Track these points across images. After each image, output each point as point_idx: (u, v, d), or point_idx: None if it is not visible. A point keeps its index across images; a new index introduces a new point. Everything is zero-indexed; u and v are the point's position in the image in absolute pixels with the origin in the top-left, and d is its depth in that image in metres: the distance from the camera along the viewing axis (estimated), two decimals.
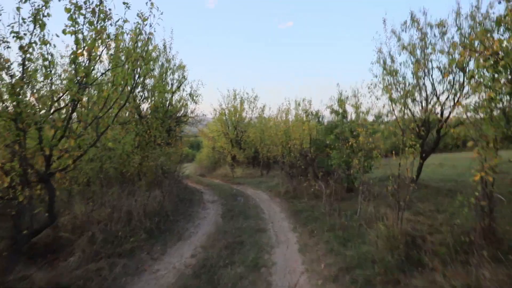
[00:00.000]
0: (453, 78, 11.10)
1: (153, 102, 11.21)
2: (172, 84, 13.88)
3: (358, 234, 5.98)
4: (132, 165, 7.79)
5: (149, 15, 5.35)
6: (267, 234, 6.81)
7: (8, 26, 4.04)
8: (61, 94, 4.93)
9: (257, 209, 9.43)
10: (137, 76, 11.21)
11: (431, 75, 11.32)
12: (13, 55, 12.41)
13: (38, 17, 4.12)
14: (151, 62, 11.37)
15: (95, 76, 5.33)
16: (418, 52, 11.21)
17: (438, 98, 11.26)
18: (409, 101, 11.78)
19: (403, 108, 11.13)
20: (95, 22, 4.61)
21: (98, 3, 4.59)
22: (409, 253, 4.55)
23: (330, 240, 5.85)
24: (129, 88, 10.21)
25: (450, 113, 11.22)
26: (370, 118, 11.46)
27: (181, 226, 7.62)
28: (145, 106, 11.97)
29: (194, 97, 13.64)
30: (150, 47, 11.94)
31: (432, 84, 11.32)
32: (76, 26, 4.40)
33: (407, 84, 11.72)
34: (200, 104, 19.17)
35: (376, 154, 7.08)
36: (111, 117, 5.32)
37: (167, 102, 12.65)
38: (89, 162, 7.01)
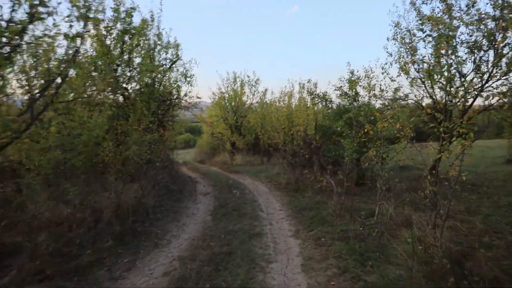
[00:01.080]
0: (480, 58, 9.56)
1: (139, 82, 9.76)
2: (164, 64, 12.42)
3: (379, 247, 4.62)
4: (106, 154, 6.42)
5: None
6: (263, 241, 5.47)
7: None
8: None
9: (253, 205, 8.09)
10: (117, 50, 9.82)
11: (455, 54, 9.75)
12: None
13: None
14: (137, 37, 9.92)
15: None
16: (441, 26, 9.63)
17: (463, 80, 9.72)
18: (429, 82, 10.29)
19: (426, 89, 9.64)
20: None
21: None
22: (459, 286, 3.18)
23: (342, 254, 4.50)
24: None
25: (476, 97, 9.73)
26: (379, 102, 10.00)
27: (162, 228, 6.30)
28: (132, 86, 10.54)
29: (187, 78, 12.14)
30: (137, 22, 10.53)
31: (457, 64, 9.77)
32: None
33: (426, 64, 10.20)
34: (196, 87, 17.66)
35: (402, 143, 5.65)
36: (49, 96, 3.89)
37: (157, 83, 11.17)
38: (49, 150, 5.64)
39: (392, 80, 10.23)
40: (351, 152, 5.91)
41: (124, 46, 9.62)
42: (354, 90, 9.00)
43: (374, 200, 7.82)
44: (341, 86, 9.29)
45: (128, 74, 9.86)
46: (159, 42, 11.75)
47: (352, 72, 9.17)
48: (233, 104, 20.25)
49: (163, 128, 11.96)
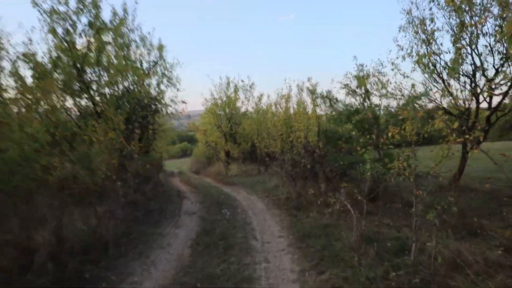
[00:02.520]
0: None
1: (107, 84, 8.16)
2: (144, 66, 10.85)
3: None
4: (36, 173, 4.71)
5: None
6: None
7: None
8: None
9: (246, 230, 6.41)
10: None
11: (476, 46, 8.21)
12: None
13: None
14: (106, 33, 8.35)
15: None
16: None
17: (486, 76, 8.16)
18: (448, 78, 8.73)
19: (445, 85, 8.06)
20: None
21: None
22: None
23: None
24: None
25: (505, 95, 8.16)
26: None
27: (121, 270, 4.62)
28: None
29: (169, 80, 10.56)
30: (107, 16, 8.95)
31: (479, 56, 8.22)
32: None
33: (445, 56, 8.68)
34: (184, 92, 16.04)
35: (444, 149, 4.04)
36: None
37: (134, 87, 9.57)
38: None
39: (405, 77, 8.68)
40: (373, 165, 4.25)
41: (91, 42, 8.05)
42: (364, 87, 7.41)
43: (396, 221, 6.18)
44: (348, 84, 7.72)
45: (96, 76, 8.24)
46: (135, 39, 10.21)
47: (362, 66, 7.61)
48: (226, 110, 18.66)
49: (141, 138, 10.36)
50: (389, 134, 4.58)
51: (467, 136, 3.70)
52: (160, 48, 11.21)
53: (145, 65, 11.13)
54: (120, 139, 6.74)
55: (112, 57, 8.73)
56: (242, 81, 18.77)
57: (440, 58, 8.07)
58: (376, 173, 4.23)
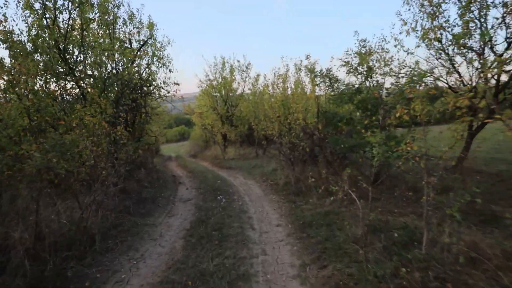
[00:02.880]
0: None
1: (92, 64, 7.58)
2: (139, 48, 10.22)
3: None
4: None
5: None
6: None
7: None
8: None
9: (242, 219, 6.06)
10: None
11: (485, 19, 7.63)
12: None
13: None
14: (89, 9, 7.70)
15: None
16: None
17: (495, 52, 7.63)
18: (453, 54, 8.19)
19: (452, 64, 7.57)
20: None
21: None
22: None
23: None
24: None
25: None
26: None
27: (107, 266, 4.26)
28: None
29: (160, 59, 9.95)
30: None
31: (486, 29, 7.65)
32: None
33: (452, 30, 8.09)
34: (176, 73, 15.37)
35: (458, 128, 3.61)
36: None
37: (122, 67, 8.99)
38: None
39: (409, 53, 8.15)
40: (381, 150, 3.81)
41: (74, 19, 7.41)
42: (366, 65, 6.89)
43: (401, 208, 5.82)
44: (349, 61, 7.17)
45: (81, 56, 7.64)
46: (122, 16, 9.56)
47: (364, 42, 7.04)
48: (222, 92, 18.05)
49: (133, 122, 9.87)
50: (397, 115, 4.14)
51: (498, 116, 3.25)
52: (151, 26, 10.54)
53: (134, 44, 10.54)
54: (103, 124, 6.23)
55: (97, 35, 8.12)
56: (238, 61, 18.16)
57: (448, 32, 7.50)
58: (384, 157, 3.78)
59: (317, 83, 7.51)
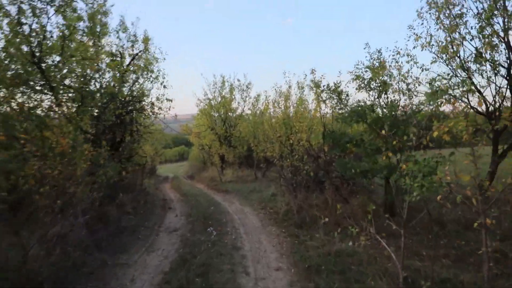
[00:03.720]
0: None
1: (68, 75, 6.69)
2: (131, 62, 9.43)
3: None
4: None
5: None
6: None
7: None
8: None
9: (235, 258, 4.95)
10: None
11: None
12: None
13: None
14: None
15: None
16: None
17: None
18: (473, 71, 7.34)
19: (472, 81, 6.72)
20: None
21: None
22: None
23: None
24: None
25: None
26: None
27: None
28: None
29: (151, 72, 9.13)
30: None
31: None
32: None
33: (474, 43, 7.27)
34: (171, 89, 14.60)
35: None
36: None
37: (107, 82, 8.13)
38: None
39: (423, 70, 7.28)
40: (426, 182, 2.79)
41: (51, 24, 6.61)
42: (380, 79, 5.99)
43: (429, 248, 4.73)
44: (360, 75, 6.28)
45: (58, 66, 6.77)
46: (112, 26, 8.78)
47: (379, 52, 6.17)
48: (221, 111, 17.21)
49: (121, 140, 8.93)
50: (434, 134, 3.15)
51: None
52: (146, 40, 9.79)
53: (128, 60, 9.75)
54: (80, 140, 5.27)
55: (81, 44, 7.31)
56: (238, 80, 17.45)
57: (470, 45, 6.67)
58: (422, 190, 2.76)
59: (324, 99, 6.60)
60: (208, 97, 17.28)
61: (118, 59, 9.16)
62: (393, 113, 5.48)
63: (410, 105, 5.82)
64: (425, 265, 3.86)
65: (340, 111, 6.75)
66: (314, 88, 6.86)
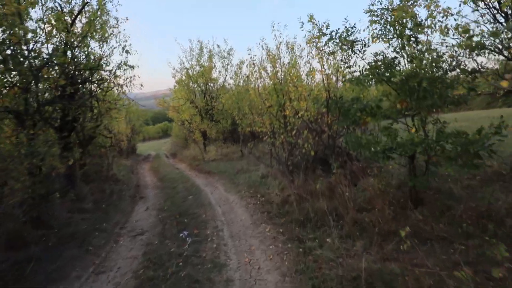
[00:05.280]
0: None
1: None
2: (77, 16, 7.20)
3: None
4: None
5: None
6: None
7: None
8: None
9: (215, 285, 3.33)
10: None
11: None
12: None
13: None
14: None
15: None
16: None
17: None
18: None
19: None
20: None
21: None
22: None
23: None
24: None
25: None
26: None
27: None
28: None
29: (96, 28, 7.02)
30: None
31: None
32: None
33: None
34: (135, 56, 12.46)
35: None
36: None
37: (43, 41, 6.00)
38: None
39: (447, 16, 5.50)
40: None
41: None
42: (411, 19, 4.20)
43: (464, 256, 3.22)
44: (376, 11, 4.46)
45: None
46: None
47: None
48: (200, 82, 15.13)
49: (74, 119, 7.00)
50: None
51: None
52: None
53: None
54: None
55: None
56: (218, 46, 15.21)
57: None
58: None
59: (332, 51, 4.78)
60: (185, 66, 15.11)
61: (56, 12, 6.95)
62: (433, 65, 3.76)
63: (455, 55, 4.09)
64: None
65: (350, 69, 4.97)
66: (314, 41, 5.02)
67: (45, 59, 5.57)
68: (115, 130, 11.29)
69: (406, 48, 4.42)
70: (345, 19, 5.02)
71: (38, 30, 5.93)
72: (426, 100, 3.83)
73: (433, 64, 3.69)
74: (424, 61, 3.84)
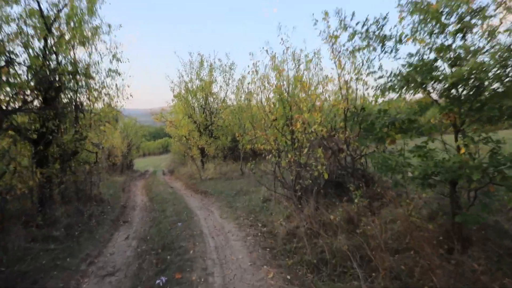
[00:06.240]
0: None
1: None
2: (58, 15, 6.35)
3: None
4: None
5: None
6: None
7: None
8: None
9: None
10: None
11: None
12: None
13: None
14: None
15: None
16: None
17: None
18: None
19: None
20: None
21: None
22: None
23: None
24: None
25: None
26: None
27: None
28: None
29: (84, 33, 6.16)
30: None
31: None
32: None
33: None
34: (127, 63, 11.53)
35: None
36: None
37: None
38: None
39: None
40: None
41: None
42: (466, 3, 3.24)
43: None
44: (418, 9, 3.52)
45: None
46: None
47: None
48: (200, 96, 14.27)
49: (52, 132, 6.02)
50: None
51: None
52: None
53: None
54: None
55: None
56: (220, 60, 14.47)
57: None
58: None
59: (358, 48, 3.81)
60: (184, 79, 14.29)
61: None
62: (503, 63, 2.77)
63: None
64: None
65: (374, 75, 3.99)
66: (332, 39, 4.09)
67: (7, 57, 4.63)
68: (103, 145, 10.28)
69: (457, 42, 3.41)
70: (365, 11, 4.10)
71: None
72: (488, 111, 2.82)
73: (503, 62, 2.70)
74: (486, 58, 2.85)
